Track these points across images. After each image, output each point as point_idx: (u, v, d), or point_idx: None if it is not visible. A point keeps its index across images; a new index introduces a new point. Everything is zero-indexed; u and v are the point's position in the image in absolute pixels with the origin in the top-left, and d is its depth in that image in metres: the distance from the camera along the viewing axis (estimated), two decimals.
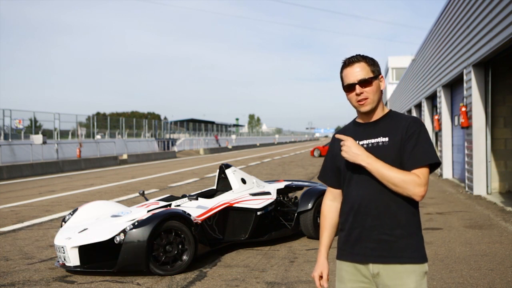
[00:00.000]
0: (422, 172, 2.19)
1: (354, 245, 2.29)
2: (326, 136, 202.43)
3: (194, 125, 63.13)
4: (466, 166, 12.77)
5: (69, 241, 5.63)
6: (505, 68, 11.92)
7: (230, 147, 57.95)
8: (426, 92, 20.20)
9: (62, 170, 24.43)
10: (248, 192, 6.99)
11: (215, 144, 60.62)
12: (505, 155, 12.12)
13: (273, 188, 7.36)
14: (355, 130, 2.39)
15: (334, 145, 2.44)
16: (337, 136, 2.33)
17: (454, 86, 15.57)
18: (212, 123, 70.42)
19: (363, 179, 2.25)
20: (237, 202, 6.71)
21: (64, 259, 5.65)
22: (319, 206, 7.22)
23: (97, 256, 5.62)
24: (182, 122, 65.42)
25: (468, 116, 12.20)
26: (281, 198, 7.60)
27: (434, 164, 2.23)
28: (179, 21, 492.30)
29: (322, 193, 7.28)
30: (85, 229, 5.83)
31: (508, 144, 12.11)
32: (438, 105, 17.32)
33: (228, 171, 7.18)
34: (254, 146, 68.45)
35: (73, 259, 5.57)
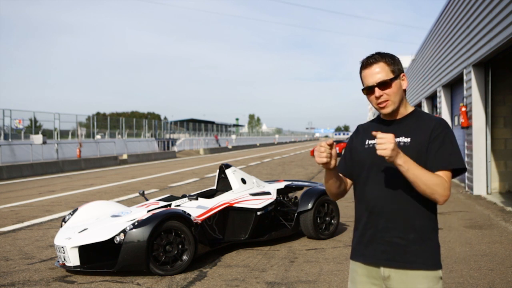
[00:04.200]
0: (447, 175, 2.11)
1: (367, 247, 2.23)
2: (326, 136, 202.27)
3: (194, 125, 63.12)
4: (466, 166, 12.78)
5: (69, 241, 5.63)
6: (505, 68, 11.92)
7: (230, 147, 57.95)
8: (426, 92, 20.21)
9: (62, 170, 24.42)
10: (248, 192, 6.99)
11: (215, 144, 60.62)
12: (505, 155, 12.12)
13: (273, 188, 7.36)
14: (379, 127, 2.30)
15: (353, 139, 2.37)
16: (374, 134, 2.06)
17: (454, 86, 15.58)
18: (212, 123, 70.41)
19: (380, 178, 2.18)
20: (237, 202, 6.71)
21: (64, 259, 5.65)
22: (319, 206, 7.22)
23: (97, 256, 5.62)
24: (182, 122, 65.43)
25: (468, 116, 12.20)
26: (281, 198, 7.59)
27: (458, 170, 2.14)
28: (179, 21, 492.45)
29: (322, 193, 7.28)
30: (85, 229, 5.83)
31: (508, 144, 12.11)
32: (438, 105, 17.32)
33: (228, 171, 7.18)
34: (254, 146, 68.45)
35: (73, 259, 5.57)
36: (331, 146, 2.10)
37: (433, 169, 2.11)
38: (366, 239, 2.24)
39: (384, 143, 1.98)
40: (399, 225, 2.15)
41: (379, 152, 2.00)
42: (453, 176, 2.17)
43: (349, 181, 2.39)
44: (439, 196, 2.07)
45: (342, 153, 2.46)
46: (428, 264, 2.14)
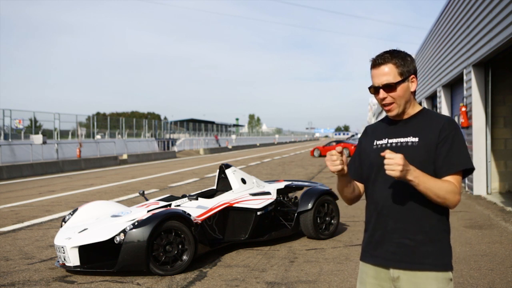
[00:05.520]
0: (457, 179, 2.10)
1: (376, 248, 2.22)
2: (326, 136, 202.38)
3: (194, 125, 63.10)
4: None
5: (69, 241, 5.63)
6: (505, 68, 11.92)
7: (230, 147, 57.95)
8: (426, 92, 20.21)
9: (62, 170, 24.42)
10: (248, 192, 6.99)
11: (215, 144, 60.61)
12: (505, 155, 12.12)
13: (273, 188, 7.36)
14: (386, 127, 2.30)
15: (362, 142, 2.38)
16: (383, 154, 2.02)
17: (454, 86, 15.58)
18: (212, 123, 70.39)
19: (388, 179, 2.14)
20: (237, 202, 6.71)
21: (64, 259, 5.65)
22: (319, 206, 7.22)
23: (97, 256, 5.62)
24: (182, 122, 65.43)
25: (468, 116, 12.20)
26: (281, 198, 7.59)
27: (468, 170, 2.13)
28: (179, 21, 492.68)
29: (322, 193, 7.28)
30: (85, 229, 5.83)
31: (508, 144, 12.11)
32: (438, 105, 17.32)
33: (228, 171, 7.18)
34: (254, 146, 68.43)
35: (73, 259, 5.58)
36: (341, 153, 2.11)
37: (443, 174, 2.11)
38: (375, 240, 2.23)
39: (392, 164, 1.95)
40: (408, 226, 2.14)
41: (387, 173, 1.98)
42: (463, 177, 2.16)
43: (361, 185, 2.38)
44: (450, 203, 2.09)
45: (352, 157, 2.45)
46: (437, 265, 2.12)
